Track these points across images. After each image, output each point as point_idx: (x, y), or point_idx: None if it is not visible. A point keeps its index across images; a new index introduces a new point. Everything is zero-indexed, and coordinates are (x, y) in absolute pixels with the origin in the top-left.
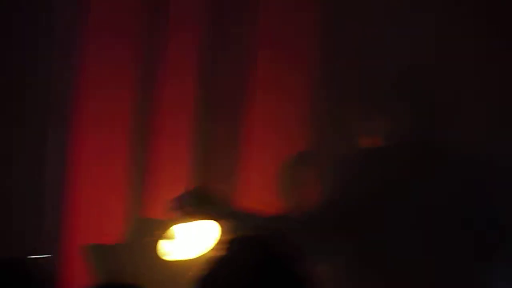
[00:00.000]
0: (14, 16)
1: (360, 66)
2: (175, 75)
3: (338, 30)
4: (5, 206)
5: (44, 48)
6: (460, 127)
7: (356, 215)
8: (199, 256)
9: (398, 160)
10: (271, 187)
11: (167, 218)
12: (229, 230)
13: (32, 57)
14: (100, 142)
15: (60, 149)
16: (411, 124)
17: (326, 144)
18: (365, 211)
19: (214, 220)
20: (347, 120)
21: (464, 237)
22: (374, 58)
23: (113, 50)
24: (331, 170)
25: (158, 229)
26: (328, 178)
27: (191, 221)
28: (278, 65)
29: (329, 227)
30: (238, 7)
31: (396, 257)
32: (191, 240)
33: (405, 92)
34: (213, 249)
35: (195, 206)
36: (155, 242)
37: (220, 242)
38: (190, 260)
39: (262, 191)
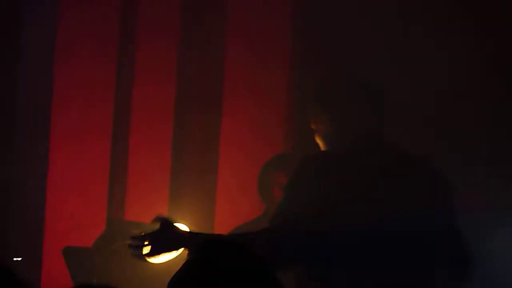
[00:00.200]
0: None
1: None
2: (152, 77)
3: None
4: None
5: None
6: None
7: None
8: (172, 259)
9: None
10: (248, 189)
11: (143, 221)
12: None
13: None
14: (78, 146)
15: (42, 154)
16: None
17: (303, 147)
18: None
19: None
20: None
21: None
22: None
23: (89, 53)
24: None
25: (134, 232)
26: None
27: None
28: (253, 67)
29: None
30: (213, 7)
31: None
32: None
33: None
34: (184, 252)
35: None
36: (130, 244)
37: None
38: (163, 263)
39: (240, 193)
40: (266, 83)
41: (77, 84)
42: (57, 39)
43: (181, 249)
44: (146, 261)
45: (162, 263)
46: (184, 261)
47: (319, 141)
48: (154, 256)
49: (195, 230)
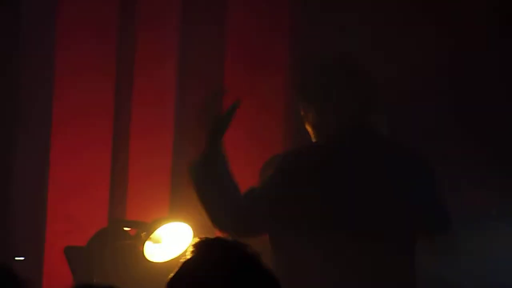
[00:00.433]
0: None
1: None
2: (151, 78)
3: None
4: None
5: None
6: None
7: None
8: (173, 259)
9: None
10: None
11: (145, 220)
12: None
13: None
14: (79, 141)
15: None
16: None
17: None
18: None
19: None
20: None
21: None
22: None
23: (89, 46)
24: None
25: (136, 231)
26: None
27: None
28: (250, 69)
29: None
30: (213, 8)
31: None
32: (167, 242)
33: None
34: (184, 252)
35: None
36: (132, 244)
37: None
38: (164, 262)
39: None
40: (265, 84)
41: (77, 84)
42: (56, 38)
43: (181, 249)
44: (146, 260)
45: (162, 263)
46: (183, 261)
47: (308, 128)
48: None
49: (196, 230)
